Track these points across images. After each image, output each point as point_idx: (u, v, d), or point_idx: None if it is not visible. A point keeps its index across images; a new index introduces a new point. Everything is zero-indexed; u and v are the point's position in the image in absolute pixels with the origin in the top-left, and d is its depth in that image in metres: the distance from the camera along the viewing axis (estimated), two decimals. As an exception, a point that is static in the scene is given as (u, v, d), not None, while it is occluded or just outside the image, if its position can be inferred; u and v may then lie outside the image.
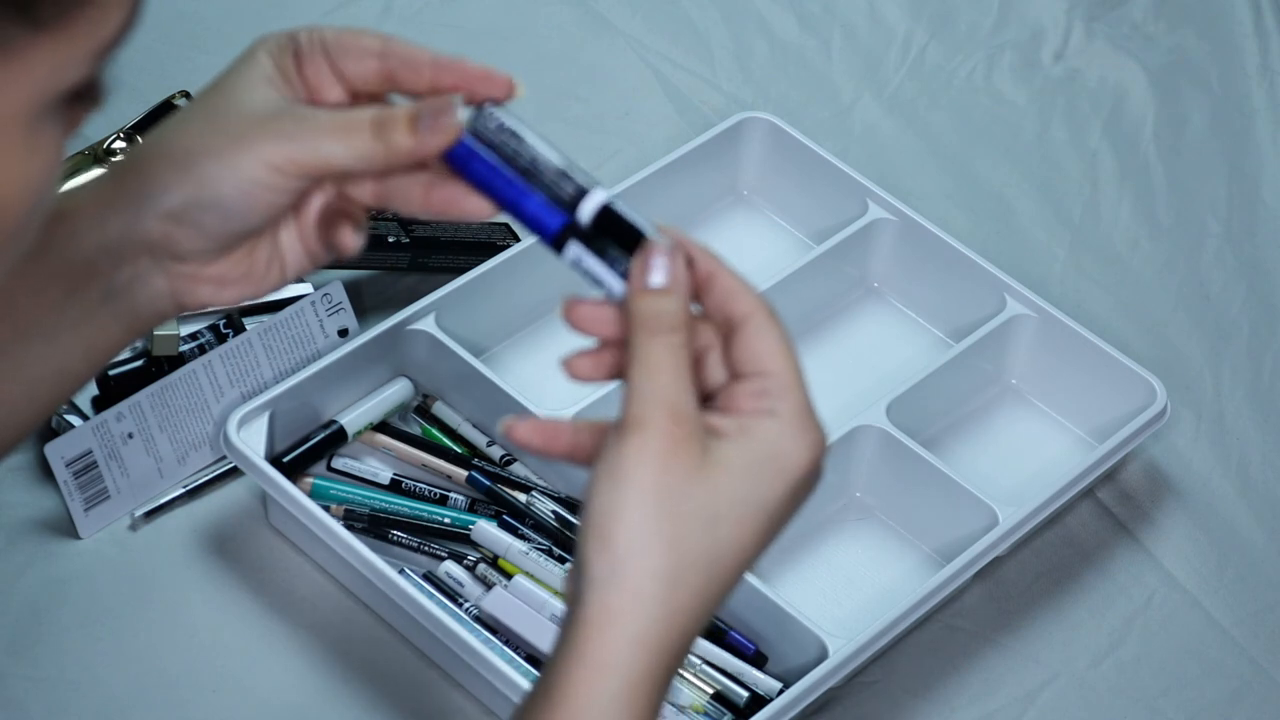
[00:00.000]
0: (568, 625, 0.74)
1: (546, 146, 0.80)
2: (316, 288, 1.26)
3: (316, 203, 0.84)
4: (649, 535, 0.74)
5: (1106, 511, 1.27)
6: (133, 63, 0.81)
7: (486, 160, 0.80)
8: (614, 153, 1.43)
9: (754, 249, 1.37)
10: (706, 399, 0.78)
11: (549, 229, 0.79)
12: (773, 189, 1.39)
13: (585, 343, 0.79)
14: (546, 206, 0.79)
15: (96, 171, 1.28)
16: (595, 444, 0.77)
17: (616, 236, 0.78)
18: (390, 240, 1.30)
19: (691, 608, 0.75)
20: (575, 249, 0.78)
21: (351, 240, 0.83)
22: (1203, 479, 1.29)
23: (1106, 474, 1.26)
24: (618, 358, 0.78)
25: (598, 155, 1.43)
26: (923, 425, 1.25)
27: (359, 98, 0.82)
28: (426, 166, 0.82)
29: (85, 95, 0.65)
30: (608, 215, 0.78)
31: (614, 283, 0.78)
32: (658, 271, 0.77)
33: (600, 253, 0.78)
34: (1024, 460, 1.27)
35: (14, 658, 1.13)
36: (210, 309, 0.85)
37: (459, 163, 0.81)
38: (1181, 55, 1.54)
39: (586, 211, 0.78)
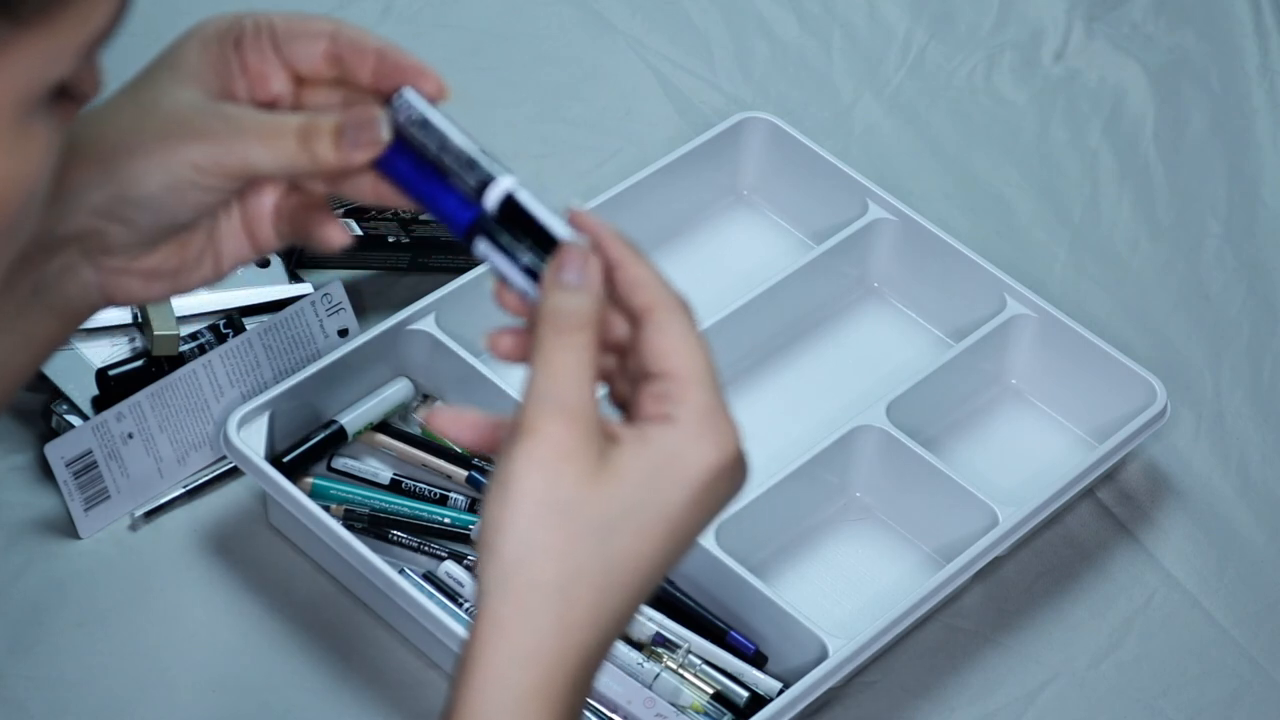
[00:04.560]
0: (467, 637, 0.73)
1: (459, 134, 0.78)
2: (316, 288, 1.26)
3: (269, 196, 0.82)
4: (536, 547, 0.72)
5: (1106, 511, 1.27)
6: (128, 58, 0.80)
7: (403, 157, 0.78)
8: (614, 153, 1.43)
9: (754, 249, 1.37)
10: (623, 405, 0.76)
11: (459, 224, 0.77)
12: (773, 189, 1.39)
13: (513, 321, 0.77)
14: (458, 201, 0.77)
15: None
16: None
17: (525, 227, 0.76)
18: (390, 240, 1.30)
19: (587, 621, 0.72)
20: (481, 245, 0.77)
21: (339, 235, 0.81)
22: (1203, 479, 1.29)
23: (1106, 474, 1.26)
24: None
25: (598, 155, 1.43)
26: (923, 425, 1.25)
27: (304, 86, 0.81)
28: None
29: (77, 89, 0.65)
30: (514, 206, 0.76)
31: (518, 279, 0.76)
32: (570, 269, 0.74)
33: (506, 245, 0.76)
34: (1024, 460, 1.27)
35: (14, 658, 1.13)
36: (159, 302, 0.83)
37: (379, 162, 0.79)
38: (1181, 55, 1.54)
39: (491, 201, 0.77)
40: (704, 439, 0.73)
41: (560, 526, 0.72)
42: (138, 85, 0.80)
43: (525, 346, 0.76)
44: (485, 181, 0.77)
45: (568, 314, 0.73)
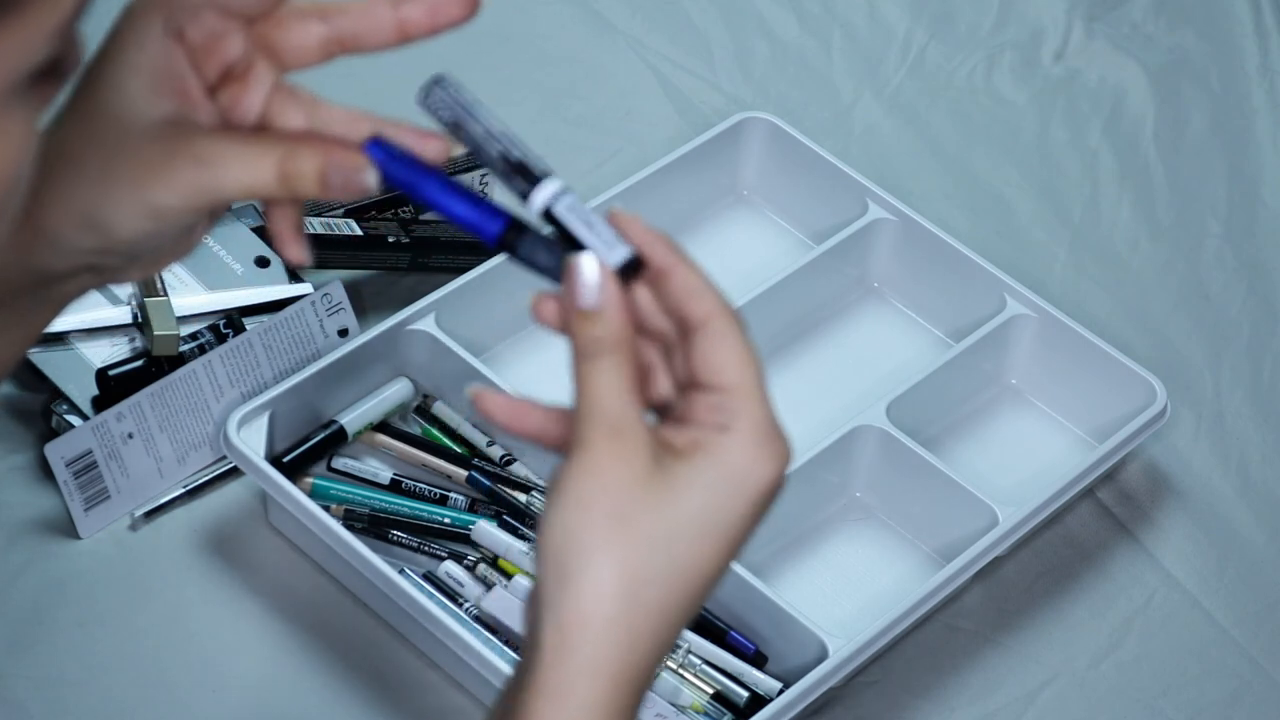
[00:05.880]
0: (527, 651, 0.73)
1: (504, 133, 0.77)
2: (316, 288, 1.26)
3: None
4: (601, 559, 0.72)
5: (1106, 511, 1.27)
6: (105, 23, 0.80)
7: (403, 162, 0.77)
8: (614, 153, 1.43)
9: (754, 249, 1.38)
10: (661, 410, 0.76)
11: (488, 233, 0.76)
12: (773, 189, 1.39)
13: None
14: (479, 210, 0.76)
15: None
16: (563, 432, 0.75)
17: (565, 235, 0.75)
18: (390, 240, 1.30)
19: (651, 630, 0.72)
20: (509, 258, 0.76)
21: (300, 255, 0.80)
22: (1203, 479, 1.29)
23: (1106, 474, 1.26)
24: None
25: (598, 155, 1.43)
26: (923, 425, 1.25)
27: (255, 25, 0.78)
28: None
29: (53, 71, 0.64)
30: (551, 216, 0.76)
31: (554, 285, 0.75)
32: (583, 295, 0.74)
33: (533, 257, 0.75)
34: (1024, 460, 1.27)
35: (14, 658, 1.13)
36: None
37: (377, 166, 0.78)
38: (1181, 55, 1.54)
39: (535, 208, 0.76)
40: (763, 451, 0.74)
41: (624, 537, 0.72)
42: (93, 107, 0.78)
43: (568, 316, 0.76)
44: (528, 185, 0.76)
45: (594, 342, 0.74)
